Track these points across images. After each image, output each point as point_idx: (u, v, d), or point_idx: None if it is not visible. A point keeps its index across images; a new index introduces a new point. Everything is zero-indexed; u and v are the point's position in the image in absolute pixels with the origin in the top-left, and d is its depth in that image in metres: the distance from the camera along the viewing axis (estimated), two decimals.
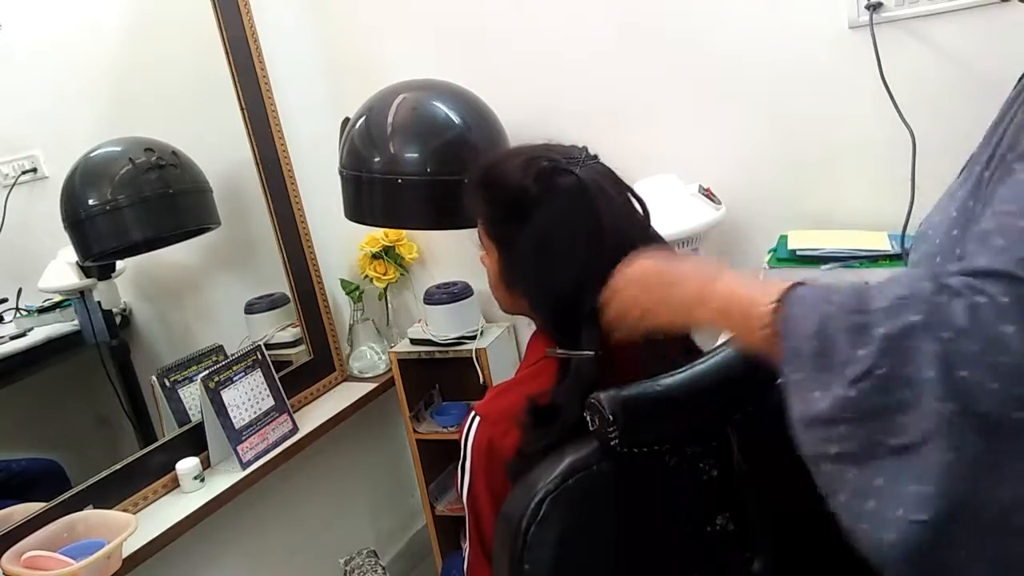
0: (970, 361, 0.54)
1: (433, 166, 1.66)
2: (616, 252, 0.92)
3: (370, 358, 2.19)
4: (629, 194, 1.00)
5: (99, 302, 1.80)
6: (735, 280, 0.74)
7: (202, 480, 1.67)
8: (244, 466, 1.73)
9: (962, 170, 0.81)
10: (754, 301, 0.68)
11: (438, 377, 2.21)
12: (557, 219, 0.94)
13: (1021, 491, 0.56)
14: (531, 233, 0.94)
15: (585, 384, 0.88)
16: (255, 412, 1.80)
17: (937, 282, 0.57)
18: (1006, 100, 0.73)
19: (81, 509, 1.47)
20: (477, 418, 0.97)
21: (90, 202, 1.71)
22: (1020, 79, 0.70)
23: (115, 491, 1.56)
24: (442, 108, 1.73)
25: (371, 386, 2.12)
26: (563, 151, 0.99)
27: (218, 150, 1.96)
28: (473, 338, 2.00)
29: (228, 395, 1.75)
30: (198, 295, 2.10)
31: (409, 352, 2.05)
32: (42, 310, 1.80)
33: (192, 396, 1.78)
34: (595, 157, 1.00)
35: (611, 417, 0.82)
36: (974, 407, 0.54)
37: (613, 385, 0.84)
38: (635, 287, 0.83)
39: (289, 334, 2.08)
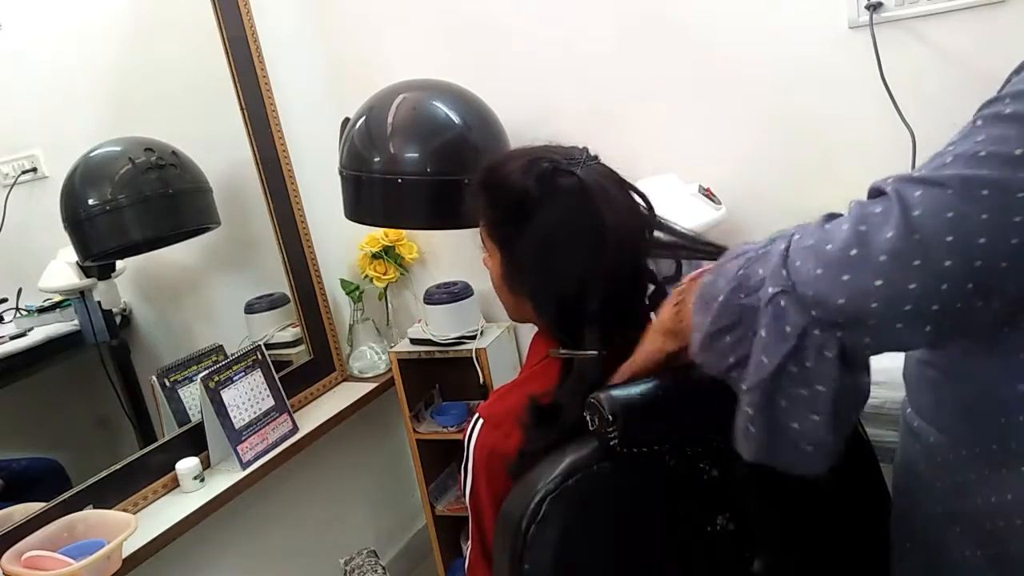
0: (801, 251, 0.64)
1: (433, 166, 1.66)
2: (619, 252, 0.92)
3: (370, 358, 2.19)
4: (633, 193, 1.00)
5: (99, 302, 1.80)
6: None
7: (202, 480, 1.67)
8: (244, 466, 1.73)
9: None
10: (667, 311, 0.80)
11: (438, 377, 2.21)
12: (559, 220, 0.94)
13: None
14: (533, 234, 0.94)
15: (588, 384, 0.88)
16: (255, 412, 1.80)
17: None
18: None
19: (81, 509, 1.47)
20: (480, 420, 0.97)
21: (90, 202, 1.71)
22: None
23: (115, 491, 1.56)
24: (442, 108, 1.73)
25: (371, 386, 2.12)
26: (564, 152, 0.98)
27: (218, 150, 1.96)
28: (473, 338, 2.00)
29: (228, 395, 1.75)
30: (198, 295, 2.10)
31: (409, 352, 2.05)
32: (42, 310, 1.80)
33: (192, 396, 1.78)
34: (596, 158, 1.00)
35: (611, 417, 0.82)
36: (798, 288, 0.63)
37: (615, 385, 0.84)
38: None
39: (289, 334, 2.08)
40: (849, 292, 0.60)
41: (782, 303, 0.64)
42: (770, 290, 0.64)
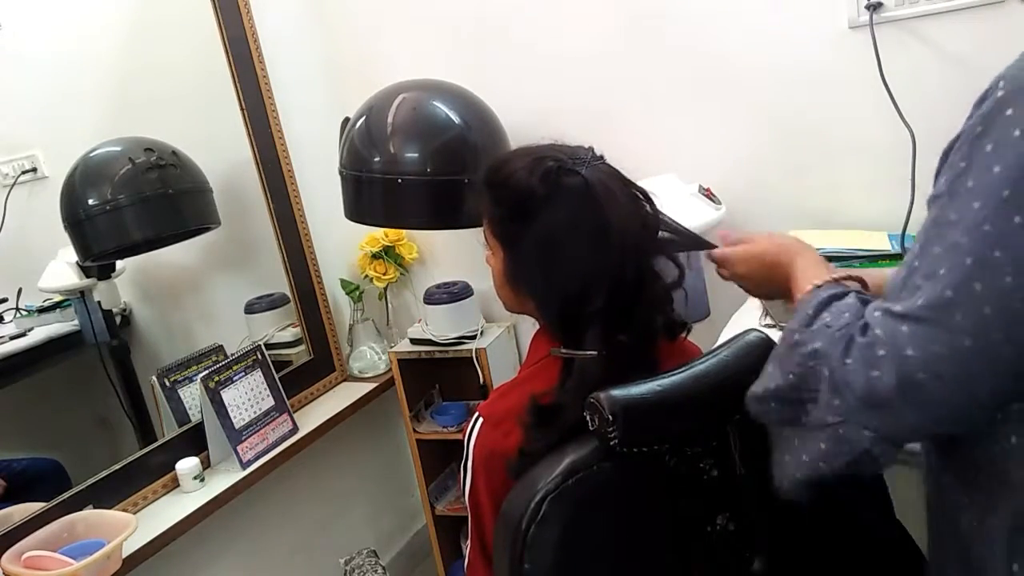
0: (840, 388, 0.69)
1: (433, 166, 1.66)
2: (623, 252, 0.92)
3: (370, 358, 2.19)
4: (637, 193, 1.00)
5: (99, 302, 1.80)
6: (803, 265, 0.90)
7: (202, 480, 1.67)
8: (244, 466, 1.73)
9: None
10: (796, 292, 0.86)
11: (438, 377, 2.21)
12: (563, 219, 0.94)
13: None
14: (537, 233, 0.95)
15: (588, 384, 0.88)
16: (255, 412, 1.80)
17: (853, 317, 0.73)
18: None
19: (81, 509, 1.47)
20: (480, 419, 0.97)
21: (90, 202, 1.71)
22: (976, 103, 0.70)
23: (115, 491, 1.56)
24: (442, 108, 1.73)
25: (371, 386, 2.12)
26: (569, 151, 0.98)
27: (218, 150, 1.96)
28: (473, 338, 2.00)
29: (228, 395, 1.75)
30: (198, 295, 2.10)
31: (409, 352, 2.05)
32: (42, 310, 1.80)
33: (192, 396, 1.78)
34: (601, 157, 1.00)
35: (611, 417, 0.82)
36: (843, 422, 0.70)
37: (616, 385, 0.84)
38: (746, 265, 1.00)
39: (289, 334, 2.08)
40: (889, 428, 0.68)
41: (840, 431, 0.71)
42: (829, 419, 0.72)
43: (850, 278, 0.84)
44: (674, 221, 1.06)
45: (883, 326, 0.67)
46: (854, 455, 0.70)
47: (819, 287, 0.81)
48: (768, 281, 0.97)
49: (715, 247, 1.05)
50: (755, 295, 1.05)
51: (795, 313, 0.81)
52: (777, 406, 0.78)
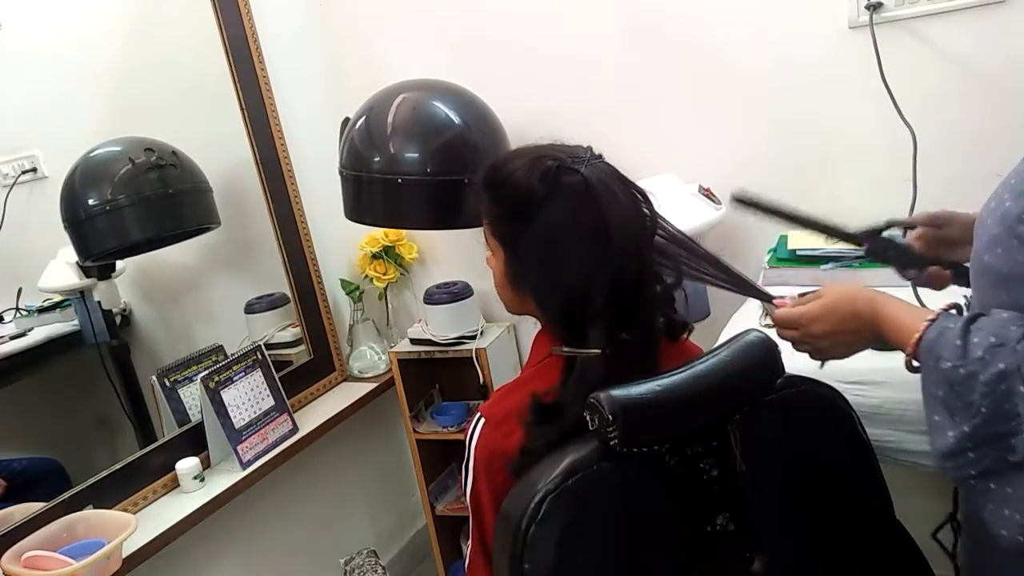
0: None
1: (433, 166, 1.66)
2: (623, 251, 0.92)
3: (370, 358, 2.19)
4: (635, 192, 1.00)
5: (99, 302, 1.80)
6: (892, 310, 0.87)
7: (202, 480, 1.67)
8: (244, 466, 1.73)
9: None
10: (902, 335, 0.83)
11: (438, 377, 2.21)
12: (563, 218, 0.94)
13: None
14: (537, 232, 0.95)
15: (590, 383, 0.88)
16: (255, 412, 1.80)
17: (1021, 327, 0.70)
18: None
19: (81, 509, 1.47)
20: (482, 420, 0.97)
21: (90, 202, 1.71)
22: None
23: (115, 491, 1.56)
24: (442, 108, 1.73)
25: (371, 386, 2.12)
26: (568, 151, 0.98)
27: (218, 150, 1.96)
28: (473, 338, 2.00)
29: (228, 395, 1.75)
30: (198, 295, 2.10)
31: (409, 352, 2.05)
32: (42, 310, 1.80)
33: (192, 396, 1.78)
34: (600, 156, 1.00)
35: (611, 417, 0.82)
36: None
37: (618, 384, 0.84)
38: (823, 323, 0.93)
39: (289, 334, 2.08)
40: None
41: None
42: None
43: (953, 305, 0.82)
44: (673, 226, 1.04)
45: None
46: None
47: (934, 321, 0.79)
48: (853, 332, 0.90)
49: (769, 296, 1.03)
50: (829, 356, 0.96)
51: (927, 353, 0.78)
52: (977, 454, 0.73)
